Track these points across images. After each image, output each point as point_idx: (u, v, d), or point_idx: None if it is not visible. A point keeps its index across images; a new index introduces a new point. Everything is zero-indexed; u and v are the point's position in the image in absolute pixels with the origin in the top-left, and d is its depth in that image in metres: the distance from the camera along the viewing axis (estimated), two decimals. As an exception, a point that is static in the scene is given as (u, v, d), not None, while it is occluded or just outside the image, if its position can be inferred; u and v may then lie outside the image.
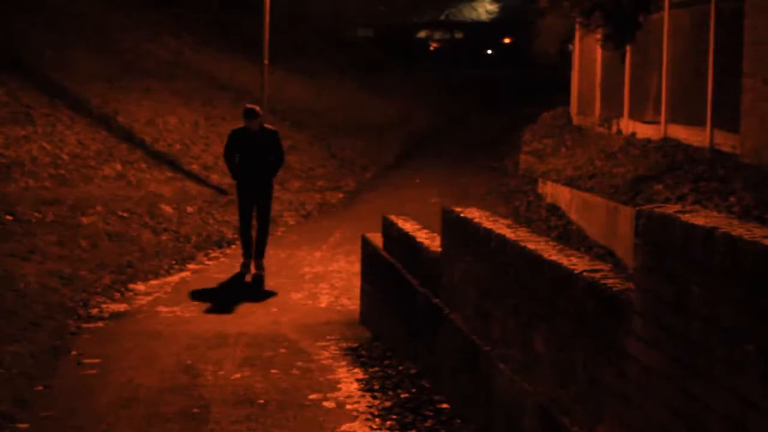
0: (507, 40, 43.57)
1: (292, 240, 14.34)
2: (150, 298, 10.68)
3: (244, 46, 25.89)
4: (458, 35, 44.58)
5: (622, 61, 15.16)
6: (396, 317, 8.40)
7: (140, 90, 19.84)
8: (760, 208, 9.24)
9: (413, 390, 7.06)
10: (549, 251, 5.00)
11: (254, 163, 11.85)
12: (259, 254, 12.10)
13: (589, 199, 13.07)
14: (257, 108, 12.02)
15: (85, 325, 9.30)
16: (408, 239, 8.09)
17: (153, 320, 9.69)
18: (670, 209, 3.73)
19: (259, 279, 11.82)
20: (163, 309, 10.16)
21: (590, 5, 13.82)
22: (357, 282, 10.42)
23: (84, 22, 22.07)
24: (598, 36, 14.73)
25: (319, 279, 11.86)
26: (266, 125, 12.17)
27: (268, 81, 18.62)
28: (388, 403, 6.82)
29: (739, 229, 3.27)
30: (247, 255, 12.04)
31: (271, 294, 11.11)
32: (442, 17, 47.46)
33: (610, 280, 4.27)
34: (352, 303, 10.45)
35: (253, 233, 12.21)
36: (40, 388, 7.25)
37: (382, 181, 19.90)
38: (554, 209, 14.73)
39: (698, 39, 12.83)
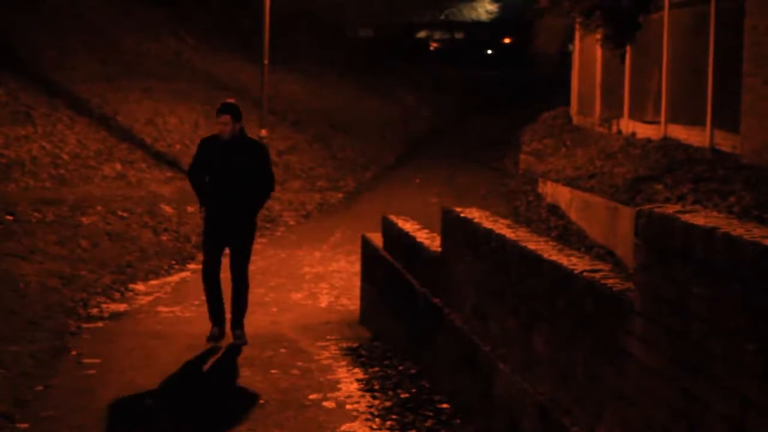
0: (507, 40, 43.58)
1: (292, 240, 14.34)
2: (150, 298, 10.68)
3: (244, 46, 25.89)
4: (458, 35, 44.60)
5: (622, 61, 15.16)
6: (396, 317, 8.40)
7: (140, 90, 19.85)
8: (760, 208, 9.24)
9: (413, 390, 7.06)
10: (549, 251, 5.00)
11: (227, 189, 8.37)
12: (237, 322, 8.60)
13: (589, 199, 13.07)
14: (234, 103, 8.46)
15: (85, 325, 9.30)
16: (408, 239, 8.09)
17: (153, 320, 9.68)
18: (670, 209, 3.73)
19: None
20: (163, 309, 10.16)
21: (590, 5, 13.82)
22: (357, 282, 10.42)
23: (84, 22, 22.08)
24: (598, 36, 14.73)
25: (319, 279, 11.85)
26: (251, 136, 8.89)
27: (268, 81, 18.62)
28: (388, 403, 6.81)
29: (739, 229, 3.27)
30: (216, 318, 8.59)
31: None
32: (442, 17, 47.49)
33: (610, 280, 4.27)
34: (352, 303, 10.44)
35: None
36: (40, 388, 7.25)
37: (382, 181, 19.90)
38: (554, 209, 14.73)
39: (698, 39, 12.82)
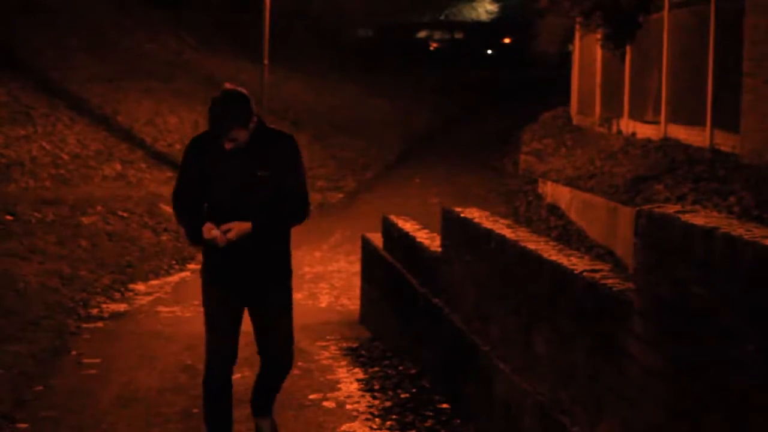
0: (507, 40, 43.54)
1: (292, 240, 14.32)
2: (150, 298, 10.69)
3: (244, 46, 25.88)
4: (458, 35, 44.53)
5: (622, 61, 15.16)
6: (396, 317, 8.40)
7: (140, 90, 19.84)
8: (760, 208, 9.24)
9: (413, 390, 7.06)
10: (549, 251, 5.00)
11: (242, 218, 5.09)
12: (265, 406, 5.88)
13: (589, 199, 13.06)
14: (239, 94, 5.27)
15: (85, 325, 9.30)
16: (408, 239, 8.08)
17: (153, 320, 9.68)
18: (670, 209, 3.73)
19: None
20: (163, 309, 10.16)
21: (590, 5, 13.81)
22: (357, 282, 10.42)
23: (84, 22, 22.08)
24: (598, 36, 14.73)
25: (319, 279, 11.85)
26: (271, 126, 5.44)
27: (268, 81, 18.61)
28: (388, 403, 6.81)
29: (739, 229, 3.27)
30: None
31: None
32: (442, 17, 47.46)
33: (610, 280, 4.27)
34: (352, 303, 10.44)
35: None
36: (40, 388, 7.26)
37: (382, 181, 19.90)
38: (554, 209, 14.72)
39: (698, 39, 12.82)
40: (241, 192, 5.14)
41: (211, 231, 5.05)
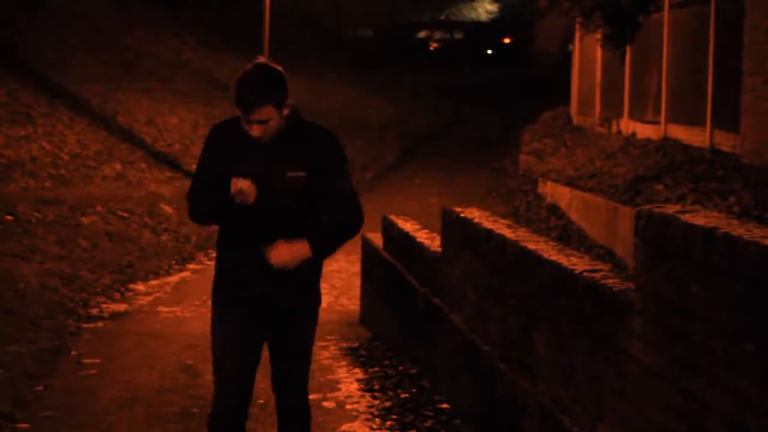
0: (507, 40, 43.55)
1: (292, 240, 14.32)
2: (150, 298, 10.68)
3: (244, 46, 25.87)
4: (458, 35, 44.54)
5: (622, 61, 15.15)
6: (396, 317, 8.40)
7: (140, 90, 19.83)
8: (760, 208, 9.24)
9: (413, 390, 7.06)
10: (549, 251, 5.00)
11: (267, 227, 4.30)
12: None
13: (589, 199, 13.06)
14: (272, 70, 4.38)
15: (85, 325, 9.29)
16: (408, 239, 8.08)
17: (153, 320, 9.68)
18: (670, 209, 3.73)
19: None
20: (163, 309, 10.15)
21: (590, 5, 13.81)
22: (357, 282, 10.41)
23: (84, 22, 22.07)
24: (598, 36, 14.72)
25: (319, 279, 11.85)
26: (307, 120, 4.71)
27: (268, 81, 18.59)
28: (388, 403, 6.81)
29: (739, 229, 3.28)
30: None
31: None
32: (442, 17, 47.50)
33: (610, 280, 4.27)
34: (352, 303, 10.44)
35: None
36: (40, 388, 7.25)
37: (382, 181, 19.89)
38: (554, 209, 14.72)
39: (698, 39, 12.82)
40: (265, 195, 4.22)
41: (237, 183, 4.16)
